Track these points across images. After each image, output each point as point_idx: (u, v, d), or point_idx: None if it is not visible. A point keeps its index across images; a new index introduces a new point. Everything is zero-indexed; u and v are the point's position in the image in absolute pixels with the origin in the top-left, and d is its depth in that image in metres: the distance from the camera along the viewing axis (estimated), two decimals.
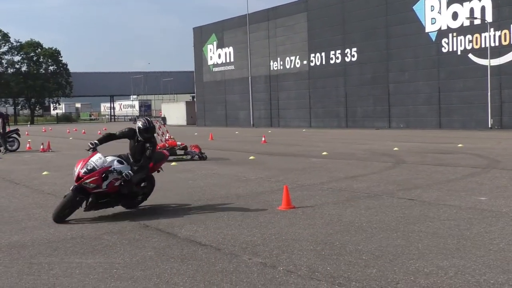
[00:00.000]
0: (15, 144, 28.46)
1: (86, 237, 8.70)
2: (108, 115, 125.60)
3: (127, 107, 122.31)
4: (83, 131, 55.53)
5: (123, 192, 10.28)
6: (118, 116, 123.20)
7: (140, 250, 7.79)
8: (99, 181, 9.83)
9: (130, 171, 10.10)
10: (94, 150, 10.25)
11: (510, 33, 41.44)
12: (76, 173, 9.96)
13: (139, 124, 10.71)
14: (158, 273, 6.69)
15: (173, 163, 20.39)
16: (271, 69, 62.97)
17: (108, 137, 10.82)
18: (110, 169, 9.97)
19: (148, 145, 10.63)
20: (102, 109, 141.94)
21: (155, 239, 8.46)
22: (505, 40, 41.78)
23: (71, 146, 33.34)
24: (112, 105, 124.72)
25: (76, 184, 9.88)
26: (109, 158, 10.23)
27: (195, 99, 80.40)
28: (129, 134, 10.80)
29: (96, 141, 10.47)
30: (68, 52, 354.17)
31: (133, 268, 6.91)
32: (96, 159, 10.04)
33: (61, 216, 9.82)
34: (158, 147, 21.52)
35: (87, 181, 9.78)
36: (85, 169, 9.87)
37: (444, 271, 6.33)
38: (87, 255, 7.60)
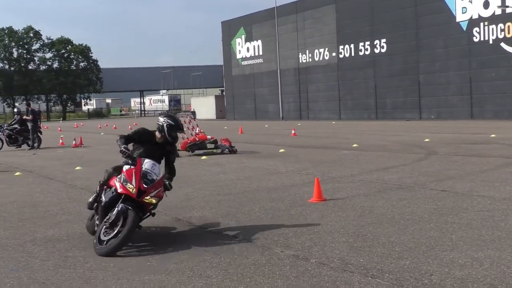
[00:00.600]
0: (36, 141, 28.43)
1: None
2: (138, 110, 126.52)
3: (157, 101, 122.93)
4: (114, 126, 55.96)
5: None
6: (148, 111, 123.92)
7: (173, 244, 7.84)
8: (161, 193, 8.09)
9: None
10: (128, 156, 8.09)
11: None
12: (133, 187, 7.71)
13: (169, 120, 8.33)
14: (191, 266, 6.74)
15: (204, 157, 20.46)
16: (300, 61, 62.77)
17: (127, 140, 8.29)
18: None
19: (169, 148, 8.46)
20: (132, 104, 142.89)
21: (188, 232, 8.52)
22: None
23: (103, 141, 33.68)
24: (142, 100, 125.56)
25: (137, 199, 7.72)
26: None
27: (224, 93, 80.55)
28: (145, 135, 8.43)
29: (126, 146, 8.19)
30: (98, 49, 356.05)
31: (167, 261, 6.96)
32: (151, 167, 8.02)
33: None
34: (189, 141, 21.77)
35: (152, 194, 7.82)
36: (145, 180, 7.83)
37: (479, 263, 6.27)
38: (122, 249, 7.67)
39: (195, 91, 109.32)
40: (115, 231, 7.51)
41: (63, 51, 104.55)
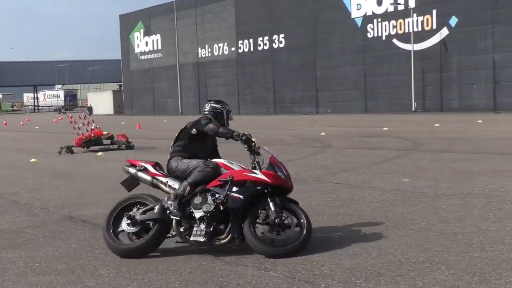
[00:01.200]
0: None
1: (6, 231, 8.42)
2: (31, 105, 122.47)
3: (52, 97, 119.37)
4: (4, 122, 53.93)
5: None
6: (43, 106, 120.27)
7: (64, 243, 7.61)
8: None
9: None
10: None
11: (432, 18, 42.53)
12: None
13: (226, 106, 7.74)
14: (82, 265, 6.56)
15: (99, 153, 20.06)
16: (199, 56, 62.68)
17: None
18: None
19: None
20: (25, 99, 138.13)
21: (80, 231, 8.29)
22: (427, 25, 42.85)
23: None
24: (35, 95, 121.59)
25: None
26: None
27: (122, 88, 79.29)
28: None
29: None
30: None
31: (56, 261, 6.74)
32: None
33: None
34: (84, 137, 21.26)
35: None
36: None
37: (368, 252, 6.44)
38: (7, 250, 7.37)
39: (92, 86, 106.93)
40: (295, 225, 6.60)
41: None
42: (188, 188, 6.89)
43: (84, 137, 21.27)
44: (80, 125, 22.46)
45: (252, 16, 55.79)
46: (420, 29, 43.18)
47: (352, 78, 48.12)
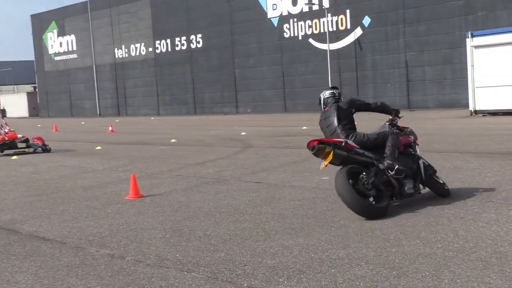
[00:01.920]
0: None
1: None
2: None
3: None
4: None
5: None
6: None
7: None
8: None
9: None
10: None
11: (346, 18, 43.41)
12: None
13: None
14: None
15: (14, 157, 19.49)
16: (116, 57, 61.79)
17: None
18: None
19: None
20: None
21: None
22: (341, 25, 43.72)
23: None
24: None
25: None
26: None
27: (37, 90, 77.22)
28: None
29: None
30: None
31: None
32: None
33: None
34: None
35: None
36: None
37: (289, 250, 6.53)
38: None
39: (4, 88, 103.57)
40: None
41: None
42: (396, 150, 8.36)
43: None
44: None
45: (169, 16, 55.42)
46: (335, 28, 43.99)
47: (271, 78, 48.54)
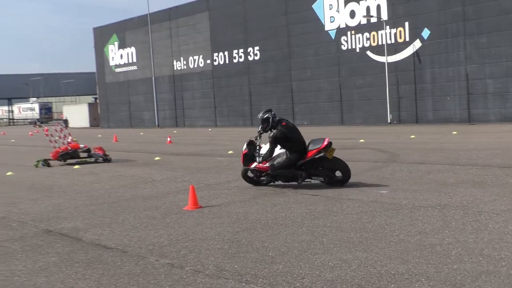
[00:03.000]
0: None
1: None
2: (6, 118, 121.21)
3: (27, 110, 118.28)
4: None
5: None
6: (18, 119, 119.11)
7: (43, 256, 7.58)
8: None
9: None
10: None
11: (404, 30, 42.96)
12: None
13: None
14: (62, 278, 6.54)
15: (76, 166, 19.95)
16: (175, 68, 62.61)
17: None
18: None
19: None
20: None
21: (59, 244, 8.25)
22: (400, 38, 43.26)
23: None
24: (10, 108, 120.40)
25: None
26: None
27: (97, 101, 78.87)
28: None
29: None
30: None
31: (36, 275, 6.72)
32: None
33: None
34: (61, 150, 21.12)
35: None
36: None
37: (348, 264, 6.50)
38: None
39: (67, 99, 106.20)
40: None
41: None
42: None
43: (60, 150, 21.14)
44: (57, 138, 22.32)
45: (227, 28, 55.91)
46: (393, 41, 43.58)
47: (328, 90, 48.35)
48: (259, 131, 12.71)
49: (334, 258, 6.76)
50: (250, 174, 13.10)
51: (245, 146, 12.98)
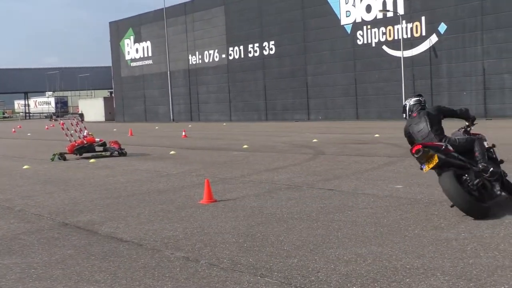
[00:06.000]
0: None
1: (1, 238, 8.44)
2: (22, 112, 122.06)
3: (43, 104, 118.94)
4: None
5: None
6: (34, 113, 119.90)
7: (60, 249, 7.63)
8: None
9: None
10: None
11: (421, 25, 42.74)
12: None
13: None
14: (78, 271, 6.58)
15: (92, 160, 20.04)
16: (190, 63, 62.71)
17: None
18: None
19: None
20: (16, 106, 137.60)
21: (75, 237, 8.31)
22: (416, 32, 43.06)
23: None
24: (26, 102, 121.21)
25: None
26: None
27: (113, 95, 79.19)
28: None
29: None
30: None
31: (53, 267, 6.76)
32: None
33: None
34: (77, 144, 21.25)
35: None
36: None
37: (363, 258, 6.49)
38: (3, 256, 7.38)
39: (82, 93, 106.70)
40: None
41: None
42: (485, 154, 8.58)
43: (76, 144, 21.24)
44: (72, 132, 22.44)
45: (242, 23, 55.91)
46: (409, 36, 43.37)
47: (343, 85, 48.25)
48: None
49: (349, 252, 6.76)
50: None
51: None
